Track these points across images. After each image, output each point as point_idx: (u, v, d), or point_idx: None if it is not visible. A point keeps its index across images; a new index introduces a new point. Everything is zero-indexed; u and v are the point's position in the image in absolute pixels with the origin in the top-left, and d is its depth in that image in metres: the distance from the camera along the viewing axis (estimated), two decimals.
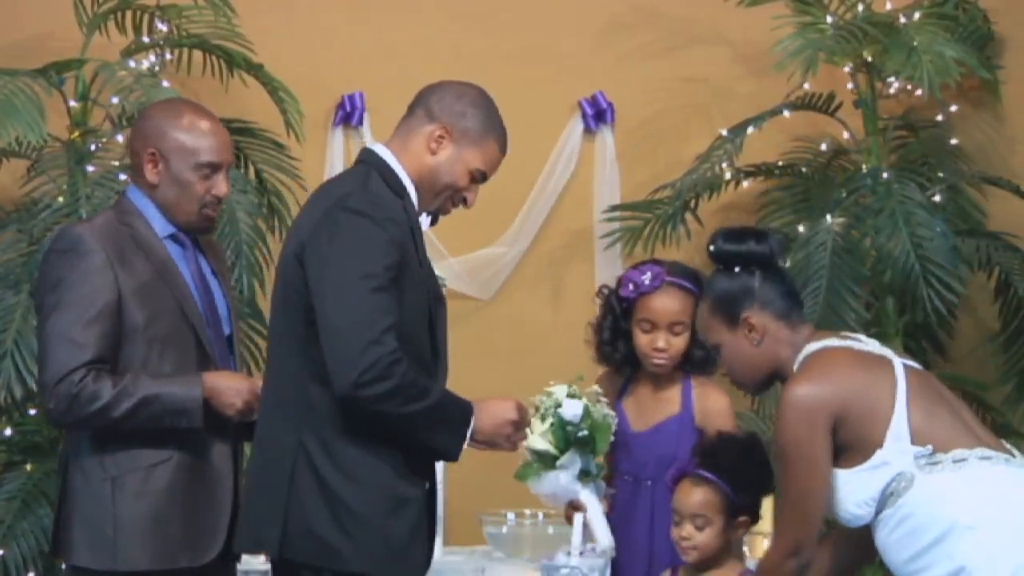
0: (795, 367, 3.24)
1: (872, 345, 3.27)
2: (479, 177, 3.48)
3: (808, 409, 3.13)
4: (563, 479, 3.75)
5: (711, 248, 3.34)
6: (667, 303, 3.90)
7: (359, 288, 3.20)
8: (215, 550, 3.63)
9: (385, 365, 3.17)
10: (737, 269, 3.31)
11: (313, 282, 3.26)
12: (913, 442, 3.13)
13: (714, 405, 3.93)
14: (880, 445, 3.14)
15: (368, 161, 3.45)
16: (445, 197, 3.47)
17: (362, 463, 3.28)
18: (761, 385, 3.38)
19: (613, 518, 3.88)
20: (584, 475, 3.76)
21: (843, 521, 3.25)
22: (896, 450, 3.14)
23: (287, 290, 3.35)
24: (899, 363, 3.22)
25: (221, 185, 3.70)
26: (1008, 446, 3.24)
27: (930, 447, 3.13)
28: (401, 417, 3.24)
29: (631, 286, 3.93)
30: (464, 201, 3.50)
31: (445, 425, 3.31)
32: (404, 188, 3.41)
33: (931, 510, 3.12)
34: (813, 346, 3.25)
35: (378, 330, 3.17)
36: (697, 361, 3.93)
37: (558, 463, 3.75)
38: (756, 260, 3.30)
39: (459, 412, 3.33)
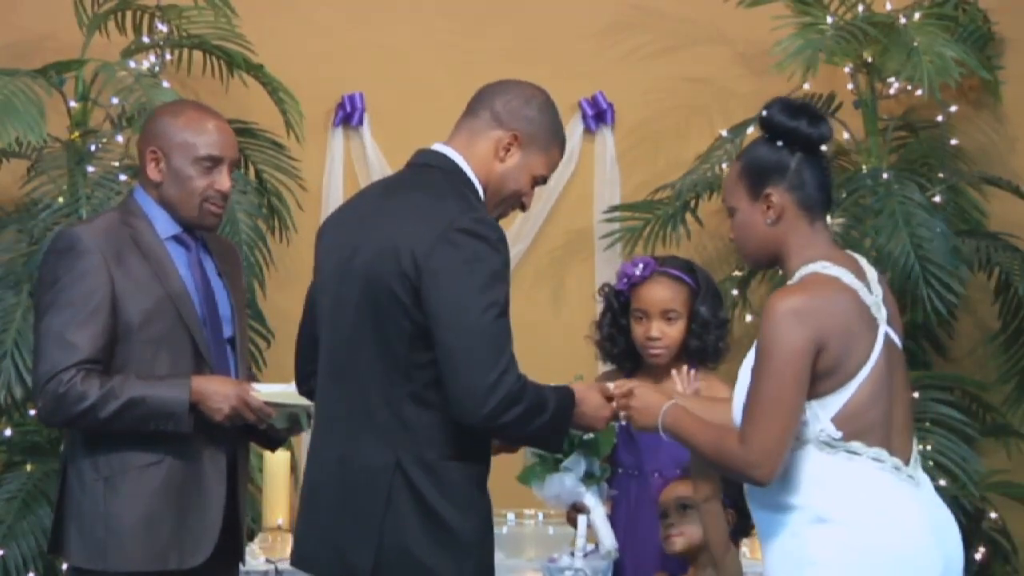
0: (798, 272, 3.13)
1: (876, 296, 3.14)
2: (540, 181, 3.46)
3: (805, 322, 3.00)
4: (567, 482, 3.75)
5: (763, 113, 3.17)
6: (657, 291, 3.95)
7: (485, 317, 3.15)
8: (205, 553, 3.63)
9: (514, 393, 3.16)
10: (780, 143, 3.16)
11: (435, 307, 3.18)
12: (833, 419, 3.04)
13: (718, 395, 3.87)
14: (814, 397, 3.05)
15: (442, 167, 3.36)
16: (509, 204, 3.45)
17: (463, 486, 3.25)
18: (760, 263, 3.26)
19: (620, 514, 3.90)
20: (588, 477, 3.76)
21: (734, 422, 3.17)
22: (815, 414, 3.05)
23: (385, 307, 3.23)
24: (881, 338, 3.10)
25: (223, 180, 3.68)
26: (915, 453, 3.15)
27: (841, 434, 3.04)
28: (527, 434, 3.27)
29: (624, 279, 3.99)
30: (522, 205, 3.48)
31: (560, 428, 3.34)
32: (480, 196, 3.37)
33: (798, 483, 3.05)
34: (826, 267, 3.11)
35: (506, 360, 3.16)
36: (694, 351, 3.96)
37: (562, 466, 3.74)
38: (802, 140, 3.14)
39: (567, 412, 3.35)
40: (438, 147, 3.40)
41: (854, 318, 3.07)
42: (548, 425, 3.27)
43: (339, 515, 3.28)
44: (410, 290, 3.20)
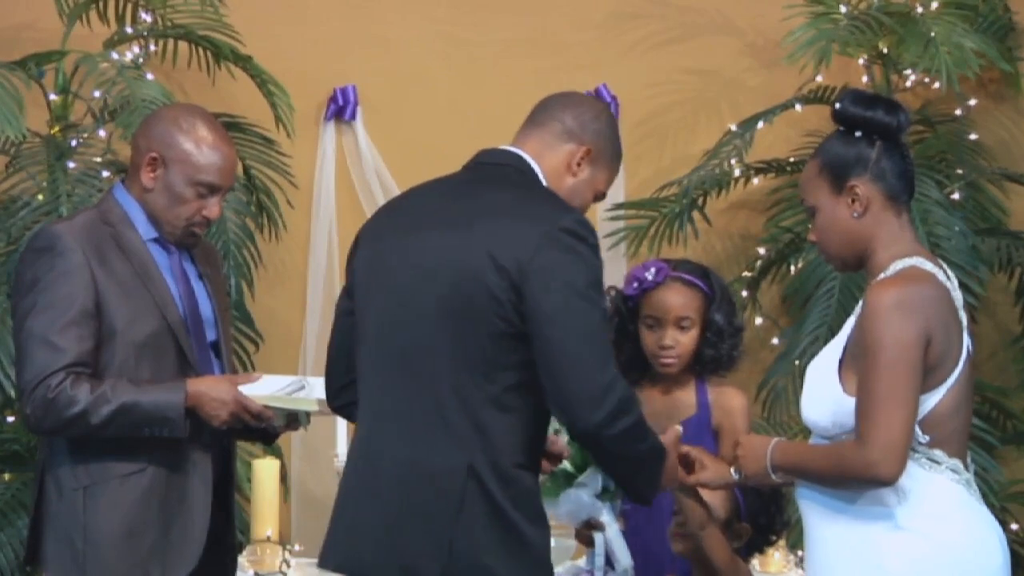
0: (892, 266, 3.10)
1: (960, 301, 3.14)
2: (600, 197, 3.47)
3: (912, 314, 2.99)
4: (584, 497, 3.65)
5: (836, 106, 3.19)
6: (671, 297, 3.87)
7: (595, 319, 3.16)
8: (189, 566, 3.59)
9: (627, 401, 3.16)
10: (858, 134, 3.16)
11: (543, 308, 3.14)
12: (920, 421, 3.02)
13: (731, 403, 3.90)
14: None
15: (517, 167, 3.34)
16: None
17: (533, 495, 3.25)
18: (847, 262, 3.21)
19: (628, 529, 3.81)
20: (604, 492, 3.66)
21: (803, 418, 3.18)
22: None
23: (475, 307, 3.18)
24: (966, 344, 3.10)
25: (214, 208, 3.67)
26: (971, 469, 3.15)
27: (928, 438, 3.04)
28: (630, 456, 3.23)
29: (635, 283, 3.91)
30: None
31: (653, 470, 3.30)
32: None
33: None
34: (922, 263, 3.10)
35: (615, 365, 3.17)
36: (708, 361, 3.89)
37: (577, 481, 3.65)
38: (880, 130, 3.14)
39: (661, 456, 3.32)
40: (510, 148, 3.38)
41: (951, 318, 3.07)
42: (646, 457, 3.25)
43: (402, 520, 3.23)
44: (510, 288, 3.16)
